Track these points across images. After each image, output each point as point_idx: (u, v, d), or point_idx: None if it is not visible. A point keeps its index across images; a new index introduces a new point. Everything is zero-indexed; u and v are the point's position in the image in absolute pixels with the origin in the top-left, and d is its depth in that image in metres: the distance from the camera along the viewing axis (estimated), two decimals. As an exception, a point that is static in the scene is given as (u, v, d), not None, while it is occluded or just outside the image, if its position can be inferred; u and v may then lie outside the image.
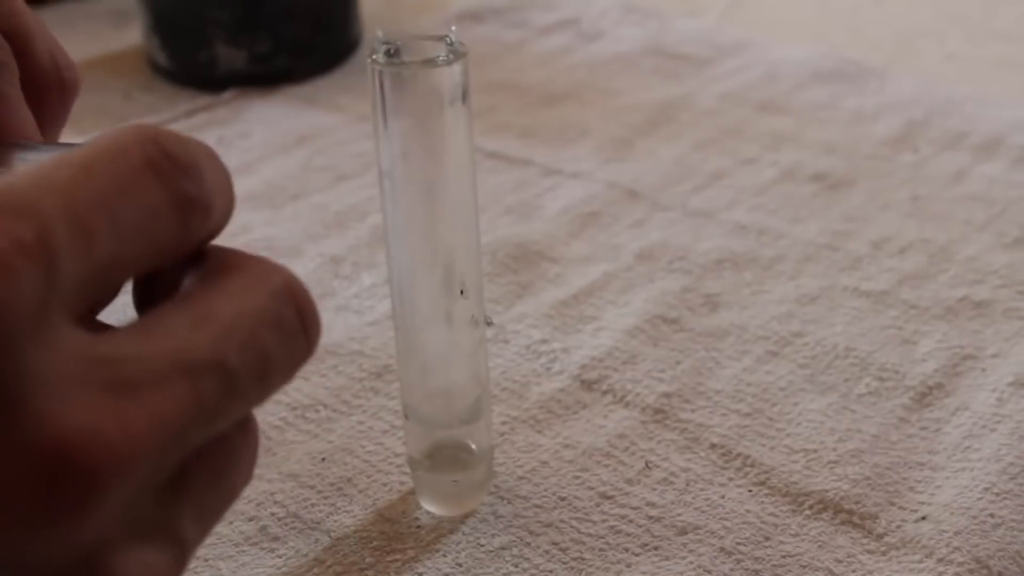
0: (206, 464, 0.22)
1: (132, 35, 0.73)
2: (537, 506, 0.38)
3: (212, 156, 0.22)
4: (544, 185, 0.56)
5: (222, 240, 0.23)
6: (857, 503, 0.37)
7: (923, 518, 0.36)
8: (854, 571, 0.35)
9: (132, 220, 0.20)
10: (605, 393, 0.42)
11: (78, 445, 0.18)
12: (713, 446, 0.40)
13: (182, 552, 0.21)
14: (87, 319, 0.20)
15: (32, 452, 0.18)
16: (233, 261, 0.22)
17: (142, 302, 0.23)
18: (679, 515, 0.37)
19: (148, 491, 0.20)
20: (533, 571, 0.35)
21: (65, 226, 0.19)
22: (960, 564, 0.35)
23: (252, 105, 0.66)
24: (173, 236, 0.21)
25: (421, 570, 0.35)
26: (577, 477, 0.39)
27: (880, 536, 0.36)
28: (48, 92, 0.31)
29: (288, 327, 0.22)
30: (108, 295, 0.21)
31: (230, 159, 0.63)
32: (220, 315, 0.21)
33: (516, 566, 0.35)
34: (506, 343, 0.45)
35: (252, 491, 0.38)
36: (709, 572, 0.35)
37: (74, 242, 0.19)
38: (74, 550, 0.19)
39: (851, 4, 0.82)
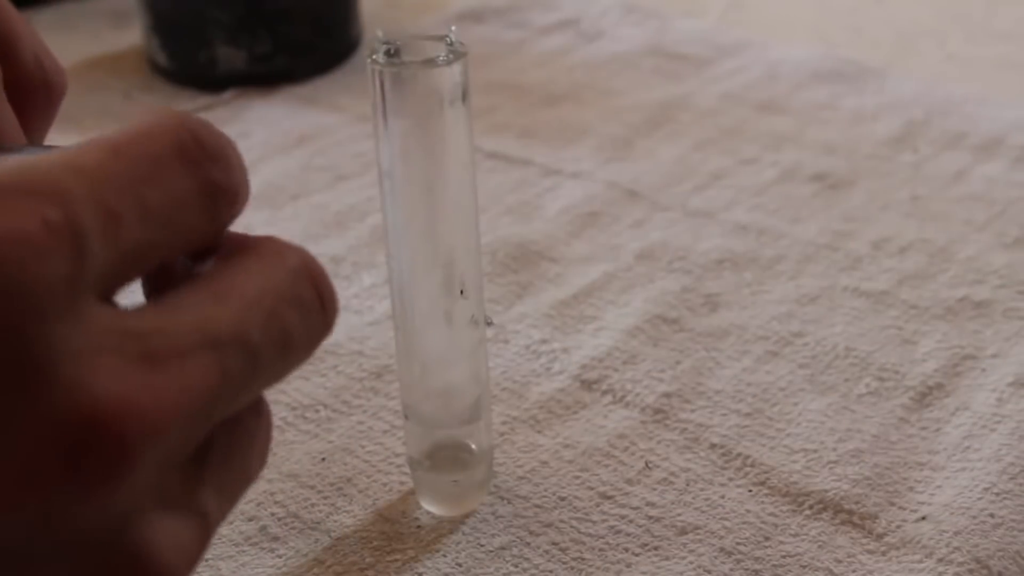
0: (222, 441, 0.22)
1: (132, 35, 0.73)
2: (537, 506, 0.38)
3: (235, 146, 0.22)
4: (544, 185, 0.56)
5: None
6: (857, 503, 0.37)
7: (923, 518, 0.36)
8: (854, 571, 0.35)
9: (160, 206, 0.20)
10: (605, 393, 0.42)
11: (110, 413, 0.18)
12: (713, 446, 0.40)
13: (206, 526, 0.21)
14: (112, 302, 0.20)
15: (64, 421, 0.18)
16: (248, 242, 0.23)
17: (153, 286, 0.23)
18: (679, 515, 0.37)
19: (176, 463, 0.20)
20: (533, 571, 0.35)
21: (92, 209, 0.19)
22: (960, 564, 0.35)
23: (252, 105, 0.66)
24: (199, 223, 0.21)
25: (421, 570, 0.35)
26: (577, 477, 0.39)
27: (880, 536, 0.36)
28: (33, 95, 0.31)
29: (307, 304, 0.22)
30: (133, 280, 0.21)
31: (230, 159, 0.63)
32: (242, 292, 0.21)
33: (516, 566, 0.35)
34: (506, 343, 0.45)
35: (252, 491, 0.38)
36: (709, 572, 0.35)
37: (102, 225, 0.19)
38: (106, 518, 0.19)
39: (851, 4, 0.82)
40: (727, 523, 0.37)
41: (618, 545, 0.36)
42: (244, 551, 0.36)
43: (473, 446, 0.37)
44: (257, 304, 0.21)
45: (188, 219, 0.21)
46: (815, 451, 0.39)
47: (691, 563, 0.35)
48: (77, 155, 0.19)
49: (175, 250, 0.21)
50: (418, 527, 0.37)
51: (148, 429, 0.19)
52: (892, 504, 0.37)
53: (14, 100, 0.30)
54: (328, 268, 0.52)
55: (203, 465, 0.22)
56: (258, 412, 0.23)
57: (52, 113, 0.32)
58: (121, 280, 0.20)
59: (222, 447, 0.22)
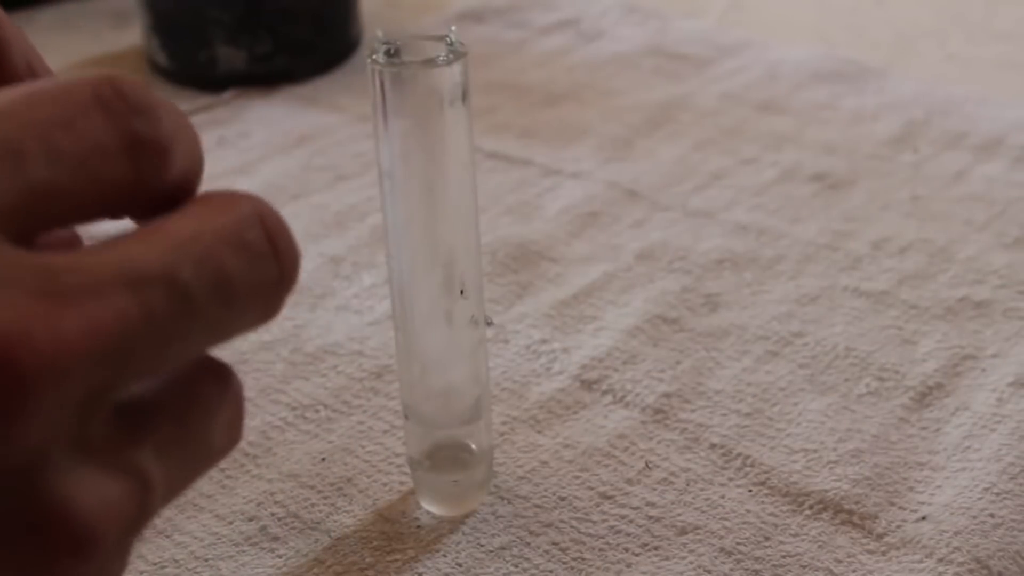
0: (171, 403, 0.21)
1: (132, 35, 0.73)
2: (537, 506, 0.38)
3: (173, 107, 0.21)
4: (544, 185, 0.56)
5: None
6: (857, 503, 0.37)
7: (923, 518, 0.36)
8: (854, 571, 0.35)
9: (73, 151, 0.19)
10: (605, 393, 0.42)
11: (2, 345, 0.17)
12: (713, 446, 0.40)
13: (144, 489, 0.20)
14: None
15: None
16: (201, 195, 0.22)
17: None
18: (679, 515, 0.37)
19: (98, 411, 0.19)
20: (533, 571, 0.35)
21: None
22: (960, 564, 0.35)
23: (252, 105, 0.66)
24: (121, 176, 0.20)
25: (421, 570, 0.35)
26: (577, 477, 0.39)
27: (880, 536, 0.36)
28: None
29: (254, 249, 0.21)
30: (45, 226, 0.20)
31: (230, 159, 0.63)
32: (174, 232, 0.20)
33: (516, 566, 0.35)
34: (506, 343, 0.45)
35: (252, 491, 0.39)
36: (709, 572, 0.35)
37: (1, 160, 0.18)
38: (10, 461, 0.18)
39: (851, 4, 0.82)
40: (727, 523, 0.37)
41: (618, 545, 0.36)
42: (244, 551, 0.36)
43: (473, 446, 0.37)
44: (190, 243, 0.20)
45: (106, 168, 0.20)
46: (815, 451, 0.39)
47: (691, 563, 0.35)
48: None
49: (92, 199, 0.20)
50: (418, 527, 0.37)
51: (46, 364, 0.17)
52: (892, 504, 0.37)
53: None
54: (328, 268, 0.52)
55: (142, 423, 0.20)
56: (221, 378, 0.22)
57: None
58: (28, 221, 0.19)
59: (172, 410, 0.21)
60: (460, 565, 0.36)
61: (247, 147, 0.61)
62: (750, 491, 0.38)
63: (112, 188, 0.20)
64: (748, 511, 0.37)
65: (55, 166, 0.19)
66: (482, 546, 0.36)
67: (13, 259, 0.18)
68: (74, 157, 0.19)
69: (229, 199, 0.21)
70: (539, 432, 0.41)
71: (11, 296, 0.18)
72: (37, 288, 0.18)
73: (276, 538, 0.37)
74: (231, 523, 0.37)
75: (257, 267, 0.21)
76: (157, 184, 0.21)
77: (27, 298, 0.18)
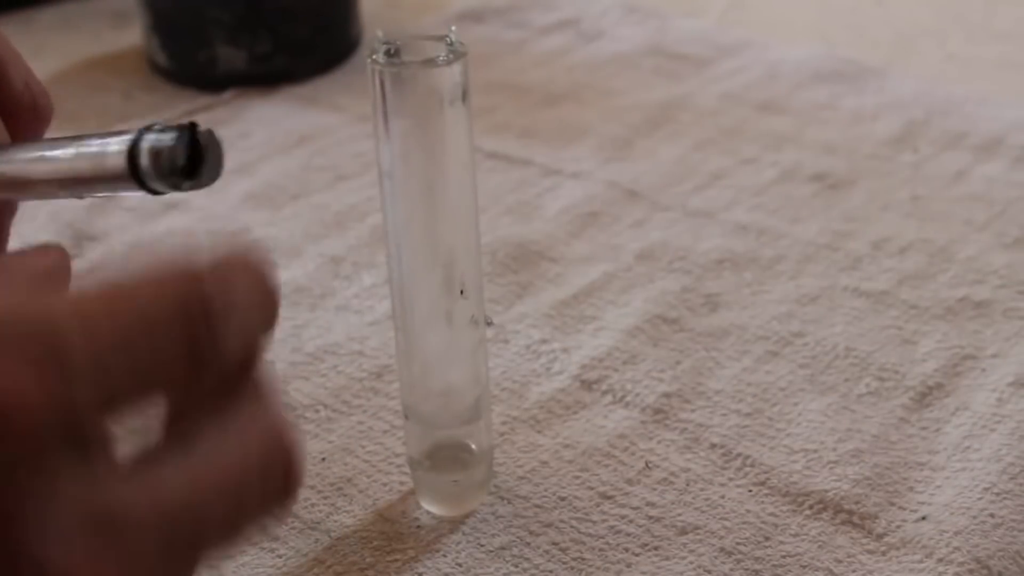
0: None
1: (132, 35, 0.73)
2: (537, 506, 0.38)
3: (252, 288, 0.21)
4: (544, 185, 0.56)
5: None
6: (857, 503, 0.37)
7: (923, 518, 0.36)
8: (854, 571, 0.35)
9: (148, 361, 0.20)
10: (605, 393, 0.42)
11: None
12: (713, 446, 0.40)
13: None
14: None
15: None
16: (235, 398, 0.22)
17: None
18: (679, 515, 0.37)
19: None
20: (533, 571, 0.35)
21: (88, 374, 0.19)
22: (960, 564, 0.35)
23: (252, 105, 0.66)
24: (178, 379, 0.20)
25: (421, 570, 0.35)
26: (577, 477, 0.39)
27: (880, 536, 0.36)
28: (21, 118, 0.31)
29: (270, 485, 0.22)
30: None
31: (230, 159, 0.63)
32: (209, 474, 0.21)
33: (516, 566, 0.35)
34: (506, 343, 0.45)
35: (252, 491, 0.39)
36: (709, 572, 0.35)
37: (92, 387, 0.19)
38: None
39: (851, 4, 0.82)
40: (727, 523, 0.37)
41: (618, 545, 0.36)
42: (244, 551, 0.36)
43: (473, 446, 0.37)
44: (222, 486, 0.21)
45: (169, 374, 0.20)
46: (815, 451, 0.39)
47: (691, 563, 0.35)
48: (80, 301, 0.19)
49: (147, 396, 0.20)
50: (418, 527, 0.37)
51: None
52: (892, 504, 0.37)
53: (4, 122, 0.30)
54: (328, 268, 0.52)
55: None
56: None
57: (40, 135, 0.32)
58: (94, 427, 0.19)
59: None
60: (460, 565, 0.36)
61: (247, 147, 0.61)
62: (750, 491, 0.38)
63: (166, 386, 0.20)
64: (748, 511, 0.37)
65: (132, 379, 0.19)
66: (482, 546, 0.36)
67: (78, 494, 0.19)
68: (147, 367, 0.20)
69: (261, 425, 0.22)
70: (539, 432, 0.41)
71: (79, 541, 0.19)
72: (95, 529, 0.19)
73: (276, 538, 0.37)
74: (231, 523, 0.37)
75: (267, 499, 0.22)
76: (207, 378, 0.21)
77: (90, 541, 0.19)
